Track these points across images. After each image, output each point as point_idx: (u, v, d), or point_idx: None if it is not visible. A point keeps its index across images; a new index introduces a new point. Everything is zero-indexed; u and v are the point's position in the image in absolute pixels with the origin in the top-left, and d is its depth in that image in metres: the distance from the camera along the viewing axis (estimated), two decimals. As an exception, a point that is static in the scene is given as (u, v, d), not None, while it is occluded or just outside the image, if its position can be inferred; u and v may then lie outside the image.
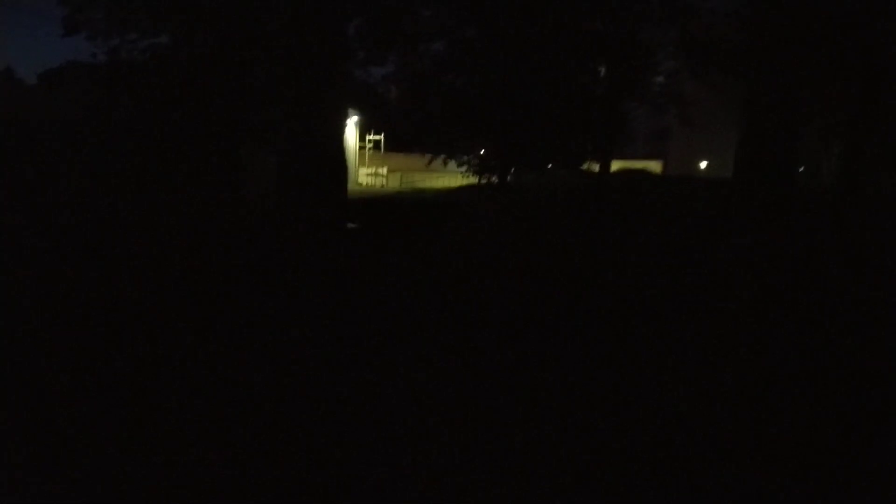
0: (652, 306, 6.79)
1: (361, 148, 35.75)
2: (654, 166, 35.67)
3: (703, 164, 32.68)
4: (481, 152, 26.62)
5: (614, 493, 3.16)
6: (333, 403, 4.09)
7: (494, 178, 26.14)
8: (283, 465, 3.33)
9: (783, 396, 4.38)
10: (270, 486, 3.15)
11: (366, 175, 35.28)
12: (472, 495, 3.13)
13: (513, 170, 26.45)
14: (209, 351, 5.06)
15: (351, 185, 21.48)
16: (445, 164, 27.76)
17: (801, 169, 20.84)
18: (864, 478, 3.34)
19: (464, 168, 27.04)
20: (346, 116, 20.25)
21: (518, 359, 5.01)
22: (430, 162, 28.30)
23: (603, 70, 24.68)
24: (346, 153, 16.18)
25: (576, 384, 4.51)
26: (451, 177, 30.33)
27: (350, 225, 13.46)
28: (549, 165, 27.77)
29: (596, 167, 26.48)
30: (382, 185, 34.27)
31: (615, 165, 28.43)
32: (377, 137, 37.43)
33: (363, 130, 35.56)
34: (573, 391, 4.39)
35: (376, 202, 20.20)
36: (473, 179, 27.04)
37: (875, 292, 7.47)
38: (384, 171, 35.65)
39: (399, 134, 34.54)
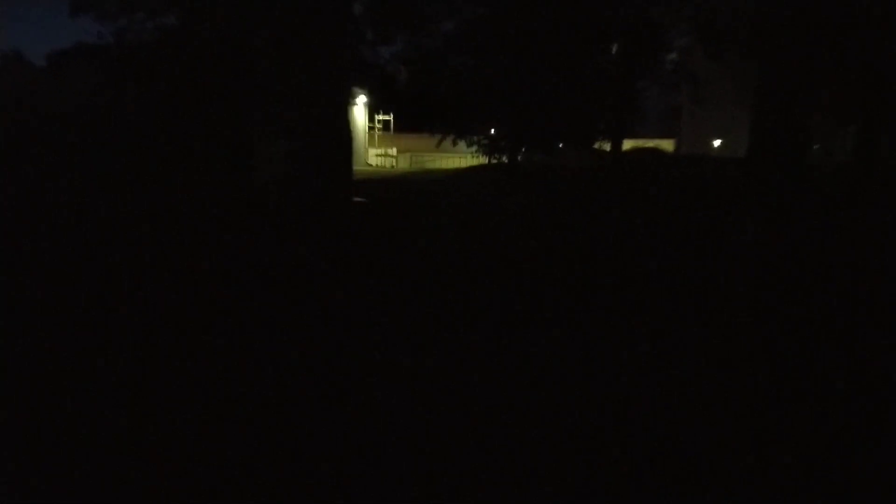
0: (655, 300, 6.67)
1: (370, 129, 35.56)
2: (667, 145, 35.34)
3: (717, 143, 32.30)
4: (491, 132, 26.40)
5: (614, 493, 3.11)
6: (336, 398, 4.01)
7: (505, 159, 25.95)
8: (284, 462, 3.27)
9: (787, 392, 4.28)
10: (270, 485, 3.09)
11: (375, 156, 35.11)
12: (471, 495, 3.06)
13: (523, 149, 26.23)
14: (215, 337, 5.00)
15: (360, 167, 21.37)
16: (455, 144, 27.58)
17: (816, 147, 20.55)
18: (864, 478, 3.27)
19: (474, 148, 26.85)
20: (350, 95, 20.09)
21: (516, 350, 4.94)
22: (439, 142, 28.14)
23: (615, 48, 24.37)
24: (355, 134, 16.11)
25: (574, 380, 4.44)
26: (461, 157, 30.18)
27: (357, 199, 13.66)
28: (560, 145, 27.53)
29: (607, 146, 26.26)
30: (392, 166, 34.14)
31: (627, 144, 28.17)
32: (386, 118, 37.22)
33: (372, 111, 35.33)
34: (572, 387, 4.32)
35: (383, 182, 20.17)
36: (484, 160, 26.87)
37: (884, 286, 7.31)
38: (393, 151, 35.48)
39: (408, 114, 34.35)
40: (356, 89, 25.41)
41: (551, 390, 4.23)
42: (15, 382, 4.18)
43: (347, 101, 15.85)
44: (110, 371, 4.35)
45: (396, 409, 3.87)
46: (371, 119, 35.50)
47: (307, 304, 6.13)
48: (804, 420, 3.82)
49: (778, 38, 14.74)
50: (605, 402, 4.04)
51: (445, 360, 4.68)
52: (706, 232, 10.80)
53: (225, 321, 5.49)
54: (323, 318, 5.67)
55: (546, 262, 8.22)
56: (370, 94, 31.63)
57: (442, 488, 3.09)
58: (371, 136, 35.49)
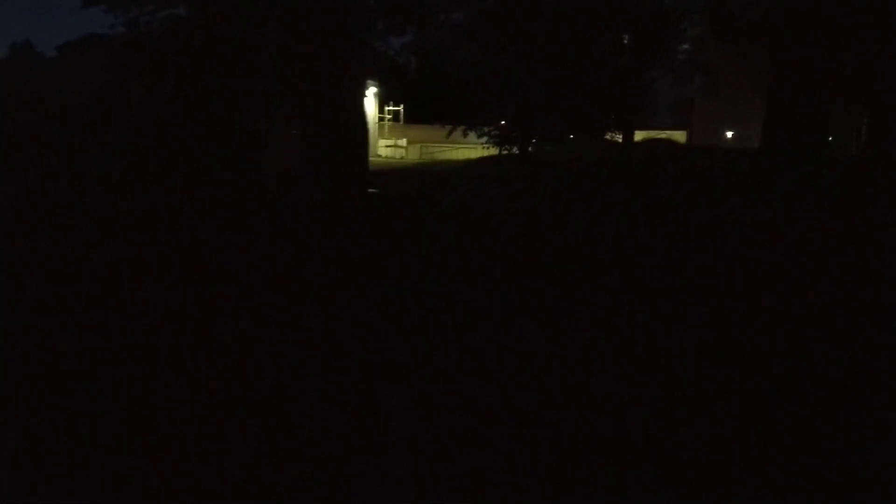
0: (663, 295, 6.60)
1: (381, 119, 35.55)
2: (679, 136, 35.13)
3: (729, 134, 32.09)
4: (502, 123, 26.30)
5: (613, 492, 3.09)
6: (337, 398, 4.01)
7: (515, 150, 25.85)
8: (284, 462, 3.28)
9: (791, 390, 4.23)
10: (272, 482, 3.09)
11: (385, 147, 35.11)
12: (471, 496, 3.06)
13: (534, 140, 26.12)
14: (220, 334, 5.02)
15: (371, 157, 21.31)
16: (465, 135, 27.48)
17: (830, 139, 20.34)
18: (864, 478, 3.24)
19: (484, 139, 26.76)
20: (365, 87, 20.04)
21: (523, 348, 4.92)
22: (449, 133, 28.06)
23: (627, 38, 24.21)
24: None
25: (577, 378, 4.41)
26: (471, 148, 30.07)
27: (371, 190, 13.71)
28: (571, 136, 27.40)
29: (619, 137, 26.13)
30: (402, 157, 34.13)
31: (639, 135, 28.01)
32: (396, 108, 37.21)
33: (382, 102, 35.32)
34: (574, 386, 4.29)
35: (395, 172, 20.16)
36: (494, 151, 26.77)
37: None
38: (403, 142, 35.47)
39: (418, 105, 34.32)
40: (367, 80, 25.35)
41: (553, 388, 4.20)
42: (15, 382, 4.17)
43: (362, 94, 15.78)
44: (112, 370, 4.35)
45: (397, 409, 3.85)
46: (381, 110, 35.50)
47: (319, 301, 6.11)
48: (807, 420, 3.77)
49: (792, 26, 14.56)
50: (606, 401, 4.01)
51: (451, 360, 4.65)
52: (718, 224, 10.71)
53: (233, 318, 5.49)
54: (334, 316, 5.64)
55: (556, 259, 8.19)
56: (380, 85, 31.57)
57: (442, 488, 3.07)
58: (381, 127, 35.49)
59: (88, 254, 7.77)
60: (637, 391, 4.16)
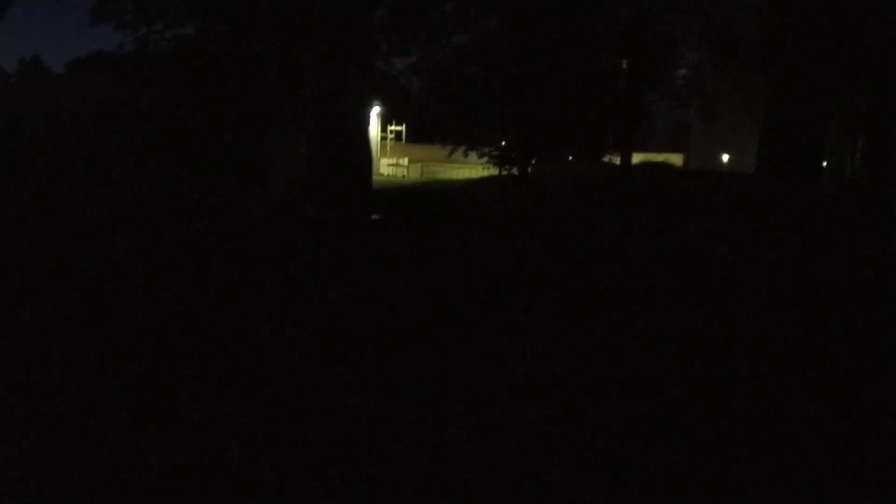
0: (661, 305, 6.68)
1: (383, 139, 35.92)
2: (676, 159, 35.44)
3: (726, 158, 32.43)
4: (502, 144, 26.64)
5: (613, 489, 3.15)
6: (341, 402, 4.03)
7: (515, 170, 26.15)
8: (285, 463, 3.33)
9: (789, 395, 4.30)
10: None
11: (387, 166, 35.43)
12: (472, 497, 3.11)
13: (533, 161, 26.45)
14: (225, 341, 4.99)
15: (373, 176, 21.53)
16: (466, 155, 27.79)
17: (825, 164, 20.64)
18: (864, 478, 3.29)
19: (484, 159, 27.07)
20: (370, 107, 20.29)
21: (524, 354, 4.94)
22: (451, 153, 28.33)
23: (625, 62, 24.61)
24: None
25: (575, 387, 4.41)
26: (472, 168, 30.37)
27: (374, 216, 13.61)
28: (570, 157, 27.74)
29: (617, 159, 26.45)
30: (403, 176, 34.42)
31: (636, 158, 28.33)
32: (399, 128, 37.61)
33: (385, 121, 35.72)
34: (572, 392, 4.30)
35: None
36: (494, 171, 27.08)
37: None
38: (405, 161, 35.80)
39: (420, 125, 34.69)
40: (371, 100, 25.68)
41: (552, 390, 4.26)
42: (15, 382, 4.11)
43: (366, 113, 15.93)
44: (110, 370, 4.32)
45: (392, 421, 3.81)
46: (384, 129, 35.90)
47: (316, 310, 6.06)
48: (807, 420, 3.85)
49: (787, 49, 14.83)
50: (605, 403, 4.06)
51: (448, 369, 4.68)
52: (710, 242, 10.72)
53: (227, 325, 5.43)
54: (331, 327, 5.52)
55: (556, 268, 8.22)
56: (383, 105, 31.96)
57: (442, 490, 3.11)
58: (383, 146, 35.86)
59: (80, 264, 7.52)
60: (637, 392, 4.21)
